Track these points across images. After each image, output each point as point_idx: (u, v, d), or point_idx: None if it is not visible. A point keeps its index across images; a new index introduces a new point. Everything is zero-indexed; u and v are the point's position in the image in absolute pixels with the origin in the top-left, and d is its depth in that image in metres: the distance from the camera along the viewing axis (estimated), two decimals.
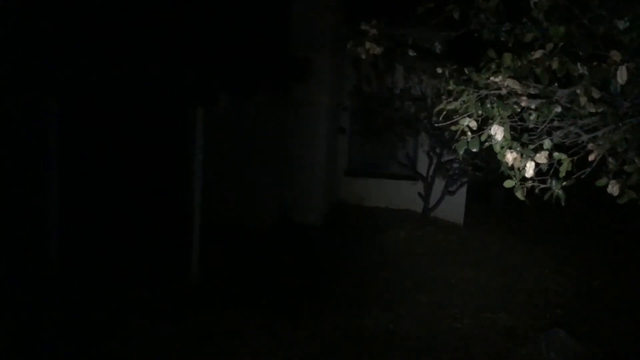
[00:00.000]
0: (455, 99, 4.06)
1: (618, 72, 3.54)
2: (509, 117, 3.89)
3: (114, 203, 9.19)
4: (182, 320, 6.79)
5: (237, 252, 8.67)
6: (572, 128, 4.01)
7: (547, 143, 3.87)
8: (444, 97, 4.29)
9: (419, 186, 10.82)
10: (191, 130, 7.52)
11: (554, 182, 3.87)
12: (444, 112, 4.17)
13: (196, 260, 7.55)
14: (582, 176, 3.96)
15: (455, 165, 10.39)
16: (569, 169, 3.83)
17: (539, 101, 3.89)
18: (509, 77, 3.90)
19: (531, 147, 3.85)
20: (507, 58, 3.93)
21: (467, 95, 3.97)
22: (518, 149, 3.82)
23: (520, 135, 3.94)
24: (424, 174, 10.68)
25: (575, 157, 3.92)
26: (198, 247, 7.52)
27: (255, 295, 7.52)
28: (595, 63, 3.71)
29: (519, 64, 3.89)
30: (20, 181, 9.09)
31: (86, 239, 8.52)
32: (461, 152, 3.96)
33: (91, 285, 7.37)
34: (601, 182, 3.91)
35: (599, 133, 3.93)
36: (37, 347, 6.16)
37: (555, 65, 3.74)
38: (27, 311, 6.79)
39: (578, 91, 3.74)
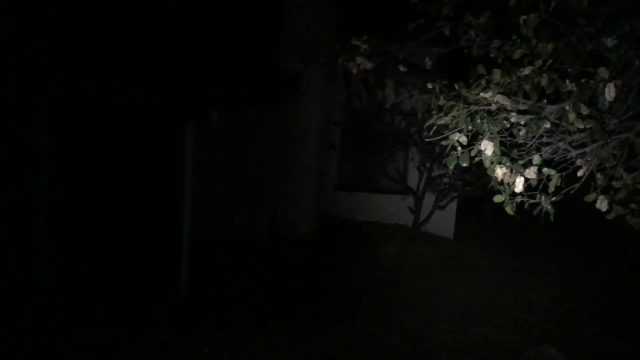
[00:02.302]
0: (446, 114, 4.09)
1: (606, 89, 3.58)
2: (498, 132, 3.92)
3: (105, 216, 9.14)
4: (171, 334, 6.75)
5: (227, 267, 8.64)
6: (561, 144, 4.04)
7: (536, 158, 3.90)
8: (434, 112, 4.31)
9: (409, 200, 10.85)
10: (182, 144, 7.51)
11: (543, 197, 3.90)
12: (434, 127, 4.19)
13: (186, 273, 7.51)
14: (571, 192, 3.99)
15: (446, 179, 10.43)
16: (558, 184, 3.85)
17: (528, 117, 3.92)
18: (499, 93, 3.94)
19: (521, 162, 3.87)
20: (497, 74, 3.97)
21: (457, 110, 4.00)
22: (508, 164, 3.84)
23: (510, 151, 3.97)
24: (414, 189, 10.71)
25: (564, 173, 3.95)
26: (187, 260, 7.49)
27: (245, 309, 7.48)
28: (583, 80, 3.74)
29: (509, 80, 3.93)
30: (11, 194, 9.04)
31: (76, 251, 8.47)
32: (451, 167, 3.99)
33: (80, 299, 7.31)
34: (590, 197, 3.94)
35: (588, 149, 3.96)
36: (25, 357, 6.10)
37: (544, 81, 3.77)
38: (14, 323, 6.73)
39: (567, 107, 3.78)
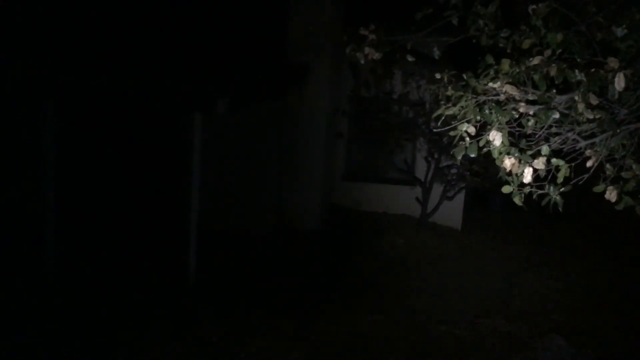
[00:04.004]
0: (454, 105, 4.07)
1: (616, 79, 3.55)
2: (507, 122, 3.90)
3: (112, 207, 9.18)
4: (178, 324, 6.78)
5: (234, 258, 8.65)
6: (570, 134, 4.02)
7: (545, 149, 3.88)
8: (442, 102, 4.30)
9: (417, 191, 10.82)
10: (189, 135, 7.52)
11: (551, 188, 3.88)
12: (443, 118, 4.18)
13: (193, 264, 7.54)
14: (580, 182, 3.97)
15: (454, 170, 10.39)
16: (567, 175, 3.83)
17: (537, 107, 3.90)
18: (507, 83, 3.91)
19: (529, 153, 3.86)
20: (506, 64, 3.95)
21: (466, 100, 3.98)
22: (516, 154, 3.83)
23: (519, 141, 3.95)
24: (422, 179, 10.68)
25: (573, 163, 3.93)
26: (195, 251, 7.51)
27: (252, 300, 7.51)
28: (592, 70, 3.72)
29: (517, 70, 3.91)
30: (18, 186, 9.09)
31: (83, 242, 8.51)
32: (459, 158, 3.97)
33: (88, 289, 7.36)
34: (599, 188, 3.92)
35: (597, 139, 3.94)
36: (32, 351, 6.15)
37: (553, 71, 3.75)
38: (23, 314, 6.78)
39: (576, 97, 3.75)
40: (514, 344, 6.99)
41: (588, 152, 3.99)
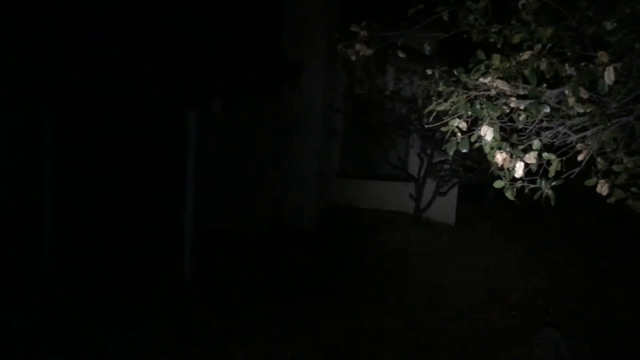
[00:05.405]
0: (445, 100, 4.06)
1: (606, 73, 3.55)
2: (498, 117, 3.90)
3: (108, 207, 9.17)
4: (176, 325, 6.78)
5: (231, 257, 8.65)
6: (560, 128, 4.02)
7: (536, 143, 3.88)
8: (434, 98, 4.29)
9: (411, 187, 10.84)
10: (184, 134, 7.51)
11: (543, 182, 3.89)
12: (434, 113, 4.18)
13: (189, 264, 7.54)
14: (572, 176, 3.98)
15: (446, 166, 10.41)
16: (558, 169, 3.84)
17: (527, 102, 3.90)
18: (498, 78, 3.91)
19: (520, 147, 3.85)
20: (496, 59, 3.94)
21: (457, 96, 3.98)
22: (507, 149, 3.82)
23: (510, 136, 3.95)
24: (416, 175, 10.70)
25: (565, 157, 3.94)
26: (191, 251, 7.51)
27: (250, 299, 7.51)
28: (583, 64, 3.72)
29: (508, 65, 3.90)
30: (15, 187, 9.06)
31: (80, 243, 8.50)
32: (451, 153, 3.97)
33: (84, 291, 7.35)
34: (590, 181, 3.93)
35: (588, 133, 3.94)
36: (30, 351, 6.14)
37: (543, 66, 3.75)
38: (21, 313, 6.77)
39: (566, 92, 3.76)
40: (510, 338, 7.02)
41: (579, 146, 3.99)
